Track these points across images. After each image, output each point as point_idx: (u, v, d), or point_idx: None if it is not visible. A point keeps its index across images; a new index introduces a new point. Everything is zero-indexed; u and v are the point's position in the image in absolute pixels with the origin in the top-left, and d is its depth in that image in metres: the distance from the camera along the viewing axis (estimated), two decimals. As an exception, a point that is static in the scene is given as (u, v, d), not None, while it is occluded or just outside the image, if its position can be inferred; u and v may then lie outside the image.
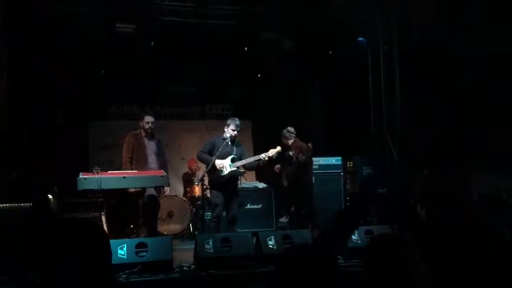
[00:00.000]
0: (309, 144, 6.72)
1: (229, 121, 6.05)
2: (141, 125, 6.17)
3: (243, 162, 5.97)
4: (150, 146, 6.18)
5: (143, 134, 6.16)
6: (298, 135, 7.06)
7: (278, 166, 7.14)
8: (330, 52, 8.40)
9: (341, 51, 8.23)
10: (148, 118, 6.12)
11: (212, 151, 6.00)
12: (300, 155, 6.76)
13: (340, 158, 7.65)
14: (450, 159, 6.13)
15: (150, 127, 6.12)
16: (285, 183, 7.14)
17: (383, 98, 7.57)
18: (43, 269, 1.45)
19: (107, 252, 1.52)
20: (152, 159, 6.13)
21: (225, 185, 5.94)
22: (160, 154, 6.25)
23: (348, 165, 7.88)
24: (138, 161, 6.03)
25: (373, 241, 1.92)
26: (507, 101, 5.59)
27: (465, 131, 6.13)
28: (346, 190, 7.81)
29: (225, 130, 6.04)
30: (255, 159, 5.95)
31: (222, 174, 5.87)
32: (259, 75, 9.17)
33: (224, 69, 8.63)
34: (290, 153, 7.02)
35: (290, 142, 7.03)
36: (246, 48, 8.11)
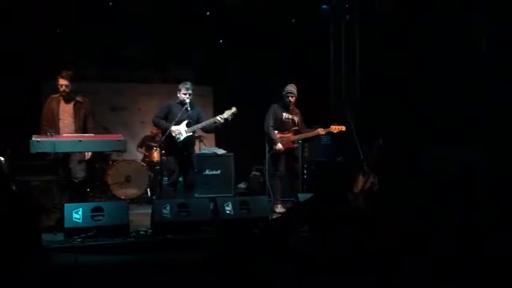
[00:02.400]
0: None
1: (180, 86, 5.99)
2: None
3: (199, 126, 5.95)
4: (67, 109, 5.86)
5: (60, 97, 5.88)
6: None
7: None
8: (293, 21, 8.35)
9: (305, 19, 8.20)
10: (61, 81, 5.78)
11: (167, 115, 5.95)
12: (321, 129, 6.49)
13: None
14: (403, 131, 6.32)
15: (64, 90, 5.79)
16: (279, 146, 6.52)
17: (343, 69, 7.65)
18: None
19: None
20: (65, 123, 5.83)
21: (181, 150, 5.92)
22: (77, 117, 5.88)
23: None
24: (51, 125, 5.73)
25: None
26: (465, 75, 5.76)
27: (423, 105, 6.30)
28: (304, 158, 7.92)
29: (178, 95, 6.00)
30: (211, 121, 5.93)
31: (179, 141, 5.85)
32: (221, 41, 9.06)
33: (185, 34, 8.46)
34: (295, 118, 6.68)
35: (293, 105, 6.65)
36: (208, 13, 7.97)
